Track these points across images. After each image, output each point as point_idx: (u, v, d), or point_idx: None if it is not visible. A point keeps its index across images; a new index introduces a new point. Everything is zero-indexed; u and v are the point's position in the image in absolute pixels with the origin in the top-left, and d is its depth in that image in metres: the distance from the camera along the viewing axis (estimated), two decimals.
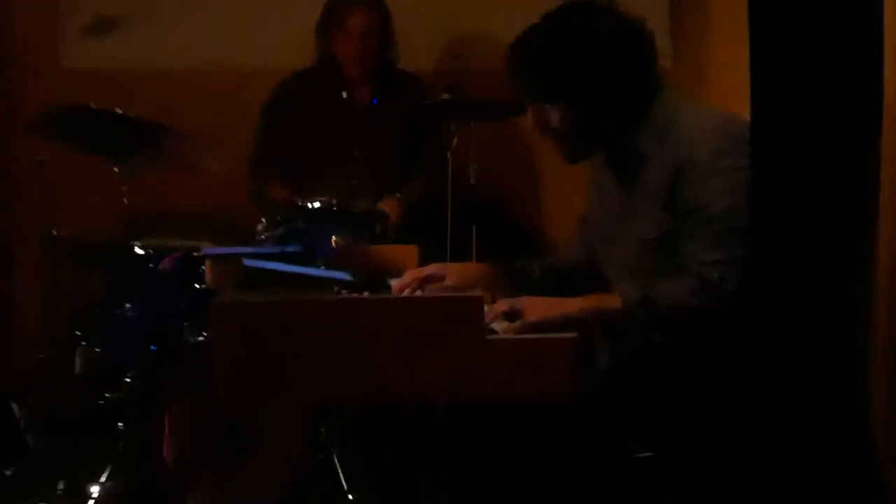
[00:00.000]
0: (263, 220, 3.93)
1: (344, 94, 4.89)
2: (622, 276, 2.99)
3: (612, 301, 2.84)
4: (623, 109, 2.92)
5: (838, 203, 2.26)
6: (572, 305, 2.84)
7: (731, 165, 2.81)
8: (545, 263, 3.25)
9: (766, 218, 2.29)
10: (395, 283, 3.08)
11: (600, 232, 3.11)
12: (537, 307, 2.81)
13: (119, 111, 4.14)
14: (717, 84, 4.66)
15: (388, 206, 4.52)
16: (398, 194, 4.77)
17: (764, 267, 2.30)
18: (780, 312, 2.30)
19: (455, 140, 4.48)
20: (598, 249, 3.13)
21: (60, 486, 3.87)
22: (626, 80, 2.89)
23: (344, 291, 3.06)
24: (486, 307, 2.68)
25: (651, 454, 2.82)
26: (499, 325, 2.79)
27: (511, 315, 2.83)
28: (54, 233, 4.37)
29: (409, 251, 3.48)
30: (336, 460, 3.44)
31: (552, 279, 3.19)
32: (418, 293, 3.04)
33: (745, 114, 2.51)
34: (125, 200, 4.11)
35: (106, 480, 3.78)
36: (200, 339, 3.73)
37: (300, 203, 3.91)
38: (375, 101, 4.88)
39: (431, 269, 3.08)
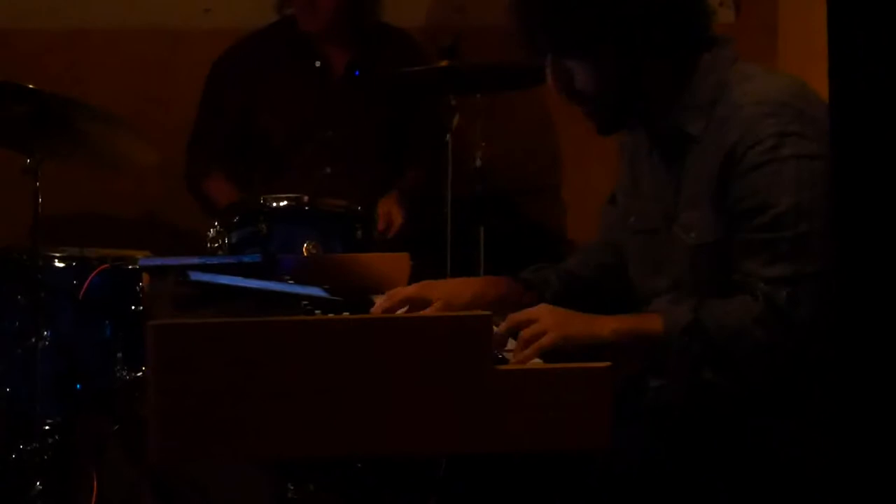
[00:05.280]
0: (216, 223, 3.78)
1: (317, 63, 4.66)
2: (660, 283, 2.84)
3: (652, 323, 2.68)
4: (664, 66, 2.76)
5: None
6: (603, 326, 2.66)
7: (798, 152, 2.66)
8: (564, 269, 3.08)
9: (851, 222, 2.04)
10: (376, 304, 2.94)
11: (637, 221, 2.95)
12: (559, 322, 2.63)
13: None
14: (789, 43, 4.55)
15: (388, 207, 4.48)
16: (397, 191, 4.64)
17: (848, 287, 2.04)
18: (870, 348, 2.01)
19: (457, 117, 4.19)
20: (629, 243, 2.97)
21: None
22: (668, 25, 2.73)
23: (317, 311, 2.90)
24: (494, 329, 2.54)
25: None
26: (511, 348, 2.62)
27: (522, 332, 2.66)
28: None
29: (399, 260, 3.25)
30: None
31: (574, 290, 3.03)
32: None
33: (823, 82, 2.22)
34: (40, 200, 3.67)
35: None
36: (138, 375, 3.65)
37: (262, 201, 3.79)
38: (357, 73, 4.66)
39: (412, 289, 2.91)
